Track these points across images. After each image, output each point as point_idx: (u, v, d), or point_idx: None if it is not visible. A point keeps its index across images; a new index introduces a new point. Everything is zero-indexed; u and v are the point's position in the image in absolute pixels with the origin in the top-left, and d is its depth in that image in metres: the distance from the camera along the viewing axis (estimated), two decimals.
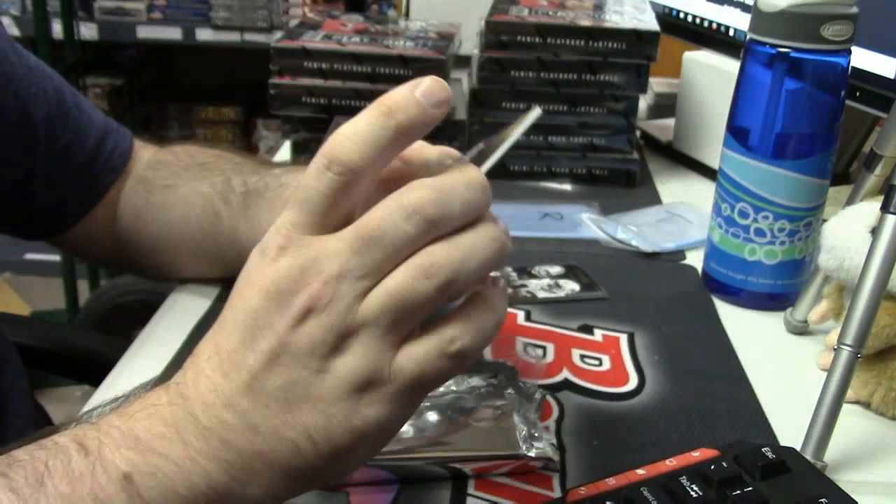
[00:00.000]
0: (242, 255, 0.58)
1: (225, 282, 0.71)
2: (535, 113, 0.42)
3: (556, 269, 0.76)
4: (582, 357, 0.64)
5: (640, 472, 0.45)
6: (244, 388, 0.36)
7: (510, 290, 0.72)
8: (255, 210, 0.65)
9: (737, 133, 0.70)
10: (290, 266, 0.36)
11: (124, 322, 2.01)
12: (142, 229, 0.70)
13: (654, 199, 0.94)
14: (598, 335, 0.67)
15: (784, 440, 0.54)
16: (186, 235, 0.69)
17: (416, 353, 0.36)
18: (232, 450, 0.37)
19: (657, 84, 1.24)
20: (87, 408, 0.41)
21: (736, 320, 0.70)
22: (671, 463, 0.45)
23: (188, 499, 0.37)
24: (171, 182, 0.70)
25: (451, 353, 0.36)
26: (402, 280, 0.35)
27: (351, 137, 0.39)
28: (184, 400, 0.38)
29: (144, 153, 0.74)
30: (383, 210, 0.36)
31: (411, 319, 0.36)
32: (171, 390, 0.38)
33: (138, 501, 0.36)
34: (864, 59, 0.79)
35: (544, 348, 0.65)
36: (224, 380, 0.37)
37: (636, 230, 0.83)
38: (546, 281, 0.74)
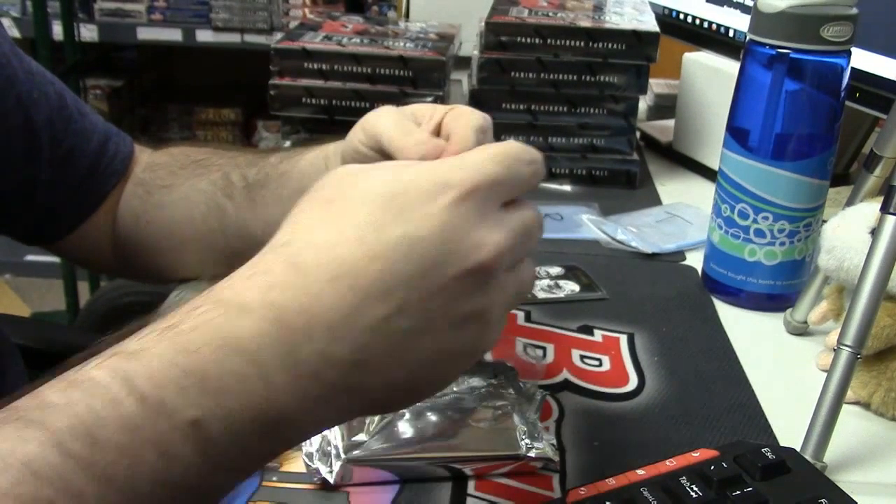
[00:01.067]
0: (254, 247, 0.59)
1: None
2: None
3: (556, 270, 0.76)
4: (582, 357, 0.64)
5: (640, 472, 0.45)
6: (376, 324, 0.35)
7: None
8: (261, 203, 0.65)
9: (737, 134, 0.70)
10: (483, 211, 0.37)
11: (124, 323, 2.00)
12: (143, 231, 0.70)
13: (654, 200, 0.94)
14: (598, 336, 0.67)
15: (784, 440, 0.54)
16: (191, 233, 0.69)
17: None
18: (324, 384, 0.35)
19: (657, 85, 1.24)
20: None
21: (736, 321, 0.70)
22: (671, 463, 0.45)
23: (261, 434, 0.35)
24: (168, 182, 0.70)
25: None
26: (528, 275, 0.41)
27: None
28: (284, 329, 0.34)
29: (142, 157, 0.74)
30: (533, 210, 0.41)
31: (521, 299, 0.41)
32: (255, 318, 0.34)
33: (207, 445, 0.33)
34: (864, 59, 0.79)
35: (544, 349, 0.65)
36: (351, 310, 0.35)
37: (636, 231, 0.83)
38: (546, 281, 0.74)
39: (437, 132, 0.51)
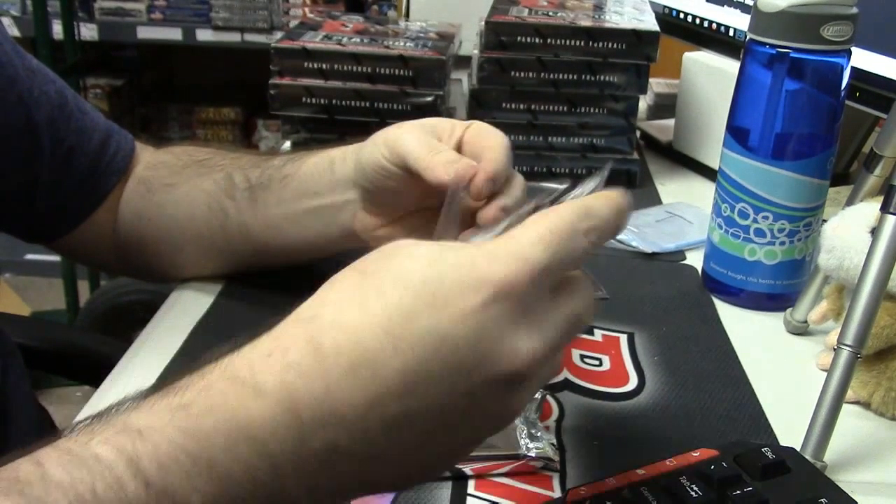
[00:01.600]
0: (256, 249, 0.62)
1: (228, 279, 0.71)
2: (607, 170, 0.42)
3: None
4: (582, 357, 0.64)
5: (640, 472, 0.45)
6: (393, 422, 0.33)
7: None
8: (262, 204, 0.65)
9: (737, 133, 0.70)
10: (516, 327, 0.34)
11: (124, 322, 2.01)
12: (144, 230, 0.70)
13: (655, 200, 0.94)
14: (598, 335, 0.67)
15: (784, 440, 0.54)
16: (193, 233, 0.69)
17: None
18: (333, 475, 0.34)
19: (657, 84, 1.24)
20: (104, 404, 0.35)
21: (736, 320, 0.70)
22: (671, 463, 0.45)
23: None
24: (171, 181, 0.70)
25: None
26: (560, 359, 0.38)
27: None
28: (296, 419, 0.33)
29: (143, 155, 0.74)
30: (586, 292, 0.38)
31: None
32: (269, 403, 0.33)
33: None
34: (864, 59, 0.79)
35: None
36: (367, 406, 0.33)
37: (636, 230, 0.83)
38: None
39: (458, 149, 0.53)
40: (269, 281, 0.69)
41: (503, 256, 0.34)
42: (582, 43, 0.92)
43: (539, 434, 0.52)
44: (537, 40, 0.92)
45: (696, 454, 0.46)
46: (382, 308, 0.34)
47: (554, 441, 0.54)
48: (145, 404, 0.34)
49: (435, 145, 0.52)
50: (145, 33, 2.41)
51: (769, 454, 0.45)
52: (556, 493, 0.50)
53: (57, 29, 2.16)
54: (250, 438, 0.33)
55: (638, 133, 1.07)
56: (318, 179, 0.63)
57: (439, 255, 0.35)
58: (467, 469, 0.50)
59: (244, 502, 0.33)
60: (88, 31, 2.37)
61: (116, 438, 0.32)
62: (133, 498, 0.31)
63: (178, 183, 0.69)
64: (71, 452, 0.31)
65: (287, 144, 0.97)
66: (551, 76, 0.93)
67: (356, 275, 0.36)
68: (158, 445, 0.32)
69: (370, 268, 0.35)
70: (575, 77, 0.93)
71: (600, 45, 0.92)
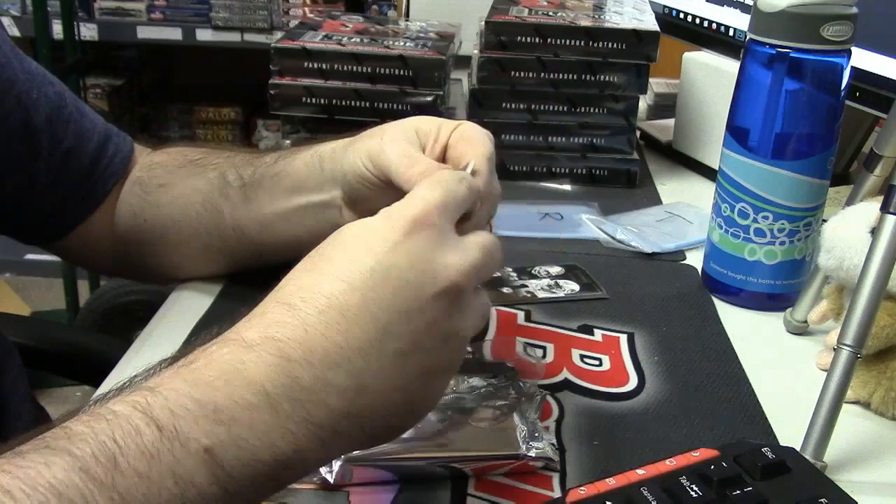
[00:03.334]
0: (250, 247, 0.64)
1: (228, 279, 0.71)
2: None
3: (556, 270, 0.76)
4: (582, 357, 0.64)
5: (640, 472, 0.45)
6: (368, 347, 0.39)
7: (510, 291, 0.72)
8: (256, 202, 0.65)
9: (737, 133, 0.70)
10: (437, 238, 0.41)
11: (124, 322, 2.01)
12: (141, 230, 0.70)
13: (654, 200, 0.94)
14: (598, 335, 0.67)
15: (784, 440, 0.54)
16: (189, 232, 0.69)
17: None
18: (328, 411, 0.38)
19: (657, 84, 1.24)
20: (127, 374, 0.39)
21: (736, 320, 0.70)
22: (671, 463, 0.45)
23: (272, 466, 0.37)
24: (165, 181, 0.70)
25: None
26: (485, 298, 0.45)
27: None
28: (284, 360, 0.38)
29: (141, 156, 0.74)
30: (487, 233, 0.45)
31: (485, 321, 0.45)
32: (258, 351, 0.38)
33: (220, 473, 0.35)
34: (864, 58, 0.79)
35: (544, 348, 0.65)
36: (342, 338, 0.38)
37: (636, 230, 0.83)
38: (546, 281, 0.74)
39: (443, 153, 0.53)
40: (269, 281, 0.69)
41: (407, 201, 0.43)
42: (582, 43, 0.92)
43: (539, 434, 0.52)
44: (537, 40, 0.92)
45: (696, 454, 0.46)
46: (330, 265, 0.41)
47: (554, 441, 0.54)
48: (153, 373, 0.38)
49: (415, 157, 0.53)
50: (145, 33, 2.41)
51: (769, 454, 0.45)
52: (556, 493, 0.50)
53: (57, 29, 2.16)
54: (248, 382, 0.37)
55: (638, 133, 1.07)
56: (308, 176, 0.63)
57: (366, 220, 0.43)
58: (467, 469, 0.50)
59: (250, 444, 0.36)
60: (88, 31, 2.37)
61: (130, 397, 0.36)
62: (148, 442, 0.34)
63: (172, 182, 0.69)
64: (90, 413, 0.35)
65: (287, 144, 0.97)
66: (551, 76, 0.93)
67: (308, 257, 0.43)
68: (167, 396, 0.36)
69: (318, 248, 0.43)
70: (575, 77, 0.93)
71: (600, 44, 0.92)
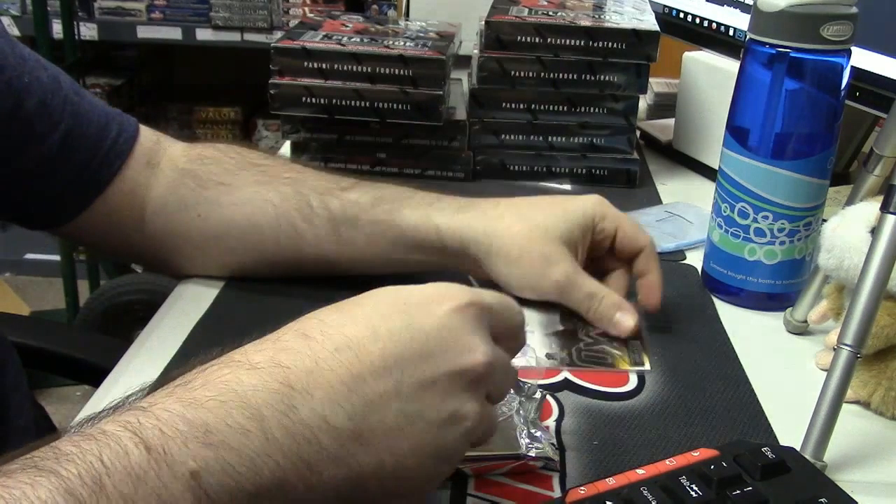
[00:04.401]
0: (328, 270, 0.68)
1: (228, 279, 0.71)
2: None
3: None
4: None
5: (640, 472, 0.45)
6: (374, 398, 0.38)
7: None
8: (349, 242, 0.67)
9: (737, 133, 0.70)
10: (475, 324, 0.41)
11: (124, 322, 2.01)
12: (191, 224, 0.69)
13: (654, 199, 0.94)
14: None
15: (784, 440, 0.54)
16: (255, 240, 0.69)
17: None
18: (318, 449, 0.37)
19: (657, 84, 1.24)
20: (104, 404, 0.39)
21: (736, 320, 0.70)
22: (671, 463, 0.45)
23: (253, 495, 0.36)
24: (226, 180, 0.69)
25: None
26: (494, 418, 0.45)
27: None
28: (286, 387, 0.37)
29: (165, 142, 0.72)
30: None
31: (485, 440, 0.45)
32: (261, 375, 0.37)
33: (204, 500, 0.35)
34: (864, 58, 0.79)
35: None
36: (350, 378, 0.38)
37: None
38: None
39: (610, 251, 0.65)
40: (270, 281, 0.69)
41: (462, 287, 0.43)
42: (582, 42, 0.92)
43: (539, 434, 0.52)
44: (537, 40, 0.92)
45: (696, 454, 0.46)
46: (361, 311, 0.41)
47: (554, 441, 0.54)
48: (150, 393, 0.38)
49: (592, 291, 0.64)
50: (145, 33, 2.41)
51: (769, 454, 0.45)
52: (556, 493, 0.50)
53: (57, 28, 2.16)
54: (243, 405, 0.36)
55: (638, 133, 1.07)
56: (427, 245, 0.66)
57: (415, 286, 0.42)
58: (467, 469, 0.50)
59: (236, 471, 0.35)
60: (88, 31, 2.37)
61: (122, 417, 0.35)
62: (136, 463, 0.34)
63: (235, 184, 0.69)
64: (80, 433, 0.35)
65: (287, 144, 0.97)
66: (551, 76, 0.93)
67: (338, 304, 0.42)
68: (160, 416, 0.35)
69: (356, 297, 0.42)
70: (575, 77, 0.93)
71: (600, 44, 0.92)
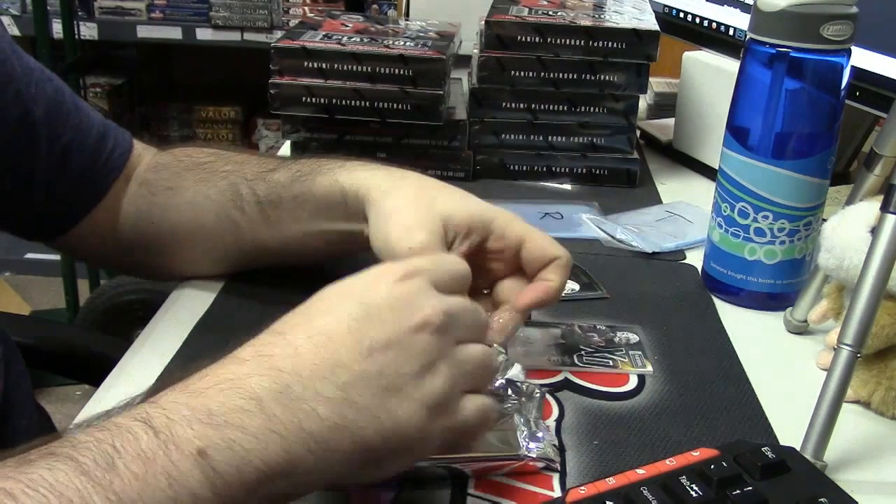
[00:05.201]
0: (271, 258, 0.70)
1: (228, 279, 0.71)
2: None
3: None
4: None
5: (640, 471, 0.45)
6: (351, 366, 0.41)
7: None
8: (276, 221, 0.66)
9: (737, 133, 0.70)
10: (419, 288, 0.45)
11: (124, 322, 2.01)
12: (148, 231, 0.71)
13: (654, 199, 0.94)
14: None
15: (784, 440, 0.54)
16: (202, 238, 0.69)
17: (477, 402, 0.45)
18: (318, 420, 0.40)
19: (657, 84, 1.24)
20: (103, 403, 0.42)
21: (736, 320, 0.70)
22: (671, 463, 0.45)
23: (264, 472, 0.38)
24: (173, 184, 0.70)
25: (491, 417, 0.47)
26: (483, 352, 0.47)
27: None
28: (275, 371, 0.40)
29: (146, 155, 0.74)
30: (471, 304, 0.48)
31: (479, 382, 0.46)
32: (250, 364, 0.41)
33: (213, 476, 0.37)
34: (864, 58, 0.79)
35: None
36: (329, 355, 0.41)
37: (636, 230, 0.83)
38: None
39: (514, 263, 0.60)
40: (270, 280, 0.69)
41: (398, 262, 0.47)
42: (582, 42, 0.92)
43: (539, 434, 0.52)
44: (537, 39, 0.92)
45: (696, 454, 0.46)
46: (319, 305, 0.44)
47: (554, 441, 0.54)
48: (154, 391, 0.41)
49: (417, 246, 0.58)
50: (145, 32, 2.41)
51: (769, 454, 0.45)
52: (556, 493, 0.50)
53: (57, 28, 2.16)
54: (241, 390, 0.39)
55: (638, 132, 1.07)
56: (333, 208, 0.64)
57: (355, 275, 0.46)
58: (467, 469, 0.50)
59: (242, 447, 0.38)
60: (88, 30, 2.37)
61: (132, 411, 0.39)
62: (145, 445, 0.36)
63: (180, 187, 0.70)
64: (93, 425, 0.38)
65: (287, 144, 0.97)
66: (551, 75, 0.93)
67: (299, 308, 0.45)
68: (165, 405, 0.38)
69: (309, 299, 0.45)
70: (575, 76, 0.93)
71: (600, 44, 0.92)
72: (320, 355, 0.41)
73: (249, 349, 0.42)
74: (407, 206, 0.59)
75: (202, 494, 0.36)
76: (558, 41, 0.92)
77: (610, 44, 0.92)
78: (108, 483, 0.35)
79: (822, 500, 0.43)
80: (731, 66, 0.92)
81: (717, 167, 0.72)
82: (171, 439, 0.37)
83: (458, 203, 0.60)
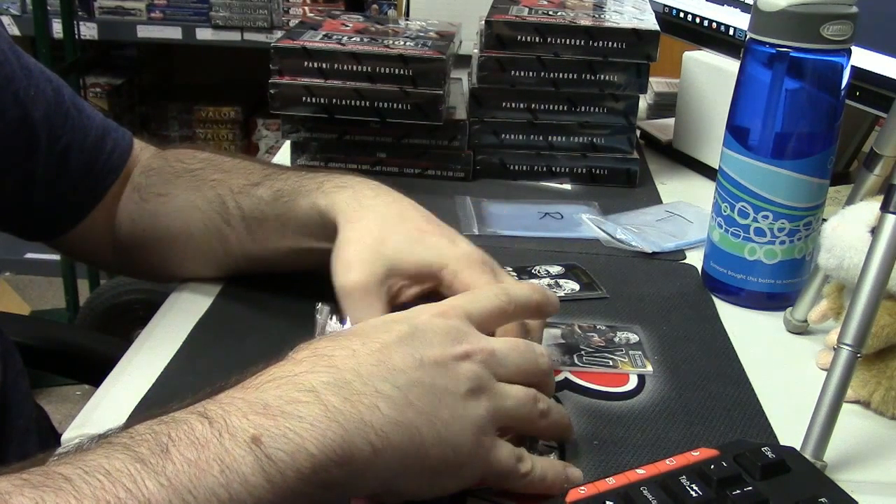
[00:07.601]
0: (260, 267, 0.70)
1: (227, 279, 0.71)
2: None
3: (556, 269, 0.76)
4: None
5: (640, 471, 0.45)
6: (407, 371, 0.43)
7: None
8: (262, 237, 0.66)
9: (737, 133, 0.70)
10: (458, 323, 0.47)
11: (124, 321, 2.01)
12: (140, 235, 0.71)
13: (654, 199, 0.94)
14: None
15: (784, 440, 0.54)
16: (192, 247, 0.69)
17: (513, 451, 0.46)
18: (380, 415, 0.40)
19: (657, 84, 1.24)
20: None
21: (736, 320, 0.70)
22: (671, 462, 0.45)
23: (319, 460, 0.38)
24: (163, 191, 0.70)
25: (521, 471, 0.46)
26: (524, 394, 0.47)
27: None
28: (335, 369, 0.41)
29: (142, 156, 0.74)
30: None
31: (515, 424, 0.48)
32: (307, 363, 0.42)
33: (266, 463, 0.37)
34: (864, 58, 0.79)
35: None
36: (385, 359, 0.43)
37: (636, 230, 0.83)
38: (546, 281, 0.74)
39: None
40: (269, 281, 0.69)
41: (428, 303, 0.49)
42: (582, 42, 0.92)
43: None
44: (537, 39, 0.92)
45: (696, 454, 0.46)
46: (363, 325, 0.47)
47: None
48: (213, 392, 0.41)
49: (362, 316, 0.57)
50: (145, 32, 2.41)
51: (769, 454, 0.45)
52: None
53: (57, 28, 2.16)
54: (298, 385, 0.40)
55: (638, 132, 1.07)
56: (314, 229, 0.64)
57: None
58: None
59: (295, 433, 0.38)
60: (88, 30, 2.37)
61: (190, 407, 0.40)
62: (199, 433, 0.37)
63: (169, 194, 0.70)
64: (152, 418, 0.39)
65: (287, 144, 0.97)
66: (551, 75, 0.93)
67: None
68: (221, 400, 0.40)
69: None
70: (575, 76, 0.93)
71: (600, 44, 0.92)
72: (377, 358, 0.43)
73: (305, 351, 0.43)
74: (358, 240, 0.59)
75: (254, 481, 0.37)
76: (558, 41, 0.92)
77: (610, 44, 0.92)
78: (161, 468, 0.36)
79: (822, 500, 0.43)
80: (731, 65, 0.92)
81: (717, 167, 0.72)
82: (225, 428, 0.37)
83: (407, 248, 0.58)
